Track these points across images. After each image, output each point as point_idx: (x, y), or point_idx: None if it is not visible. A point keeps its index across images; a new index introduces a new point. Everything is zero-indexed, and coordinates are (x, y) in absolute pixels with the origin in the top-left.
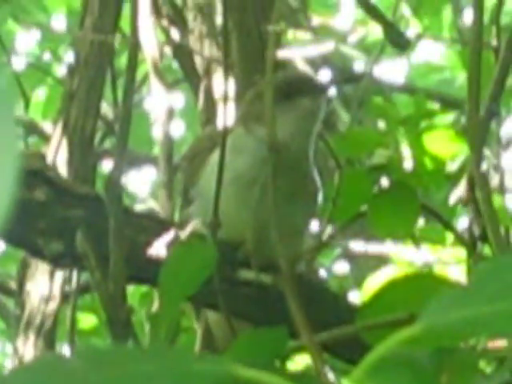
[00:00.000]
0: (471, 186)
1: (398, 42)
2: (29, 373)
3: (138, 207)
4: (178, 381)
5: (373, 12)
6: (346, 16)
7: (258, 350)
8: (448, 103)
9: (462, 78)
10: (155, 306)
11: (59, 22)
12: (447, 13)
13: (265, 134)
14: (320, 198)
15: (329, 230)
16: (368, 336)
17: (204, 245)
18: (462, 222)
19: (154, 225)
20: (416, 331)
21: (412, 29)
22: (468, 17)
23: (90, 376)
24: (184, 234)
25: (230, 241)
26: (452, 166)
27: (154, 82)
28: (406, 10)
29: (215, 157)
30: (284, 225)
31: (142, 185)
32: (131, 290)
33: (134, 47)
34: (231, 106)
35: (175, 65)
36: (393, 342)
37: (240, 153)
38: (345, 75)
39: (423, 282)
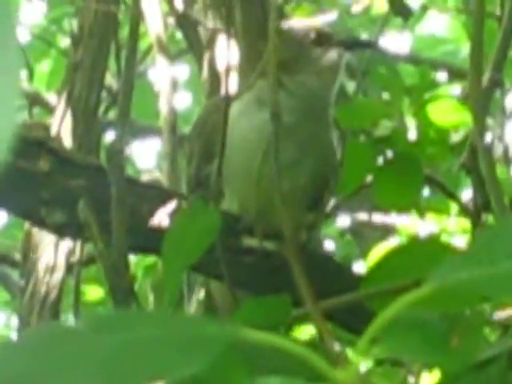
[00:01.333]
0: (474, 155)
1: (401, 11)
2: (34, 339)
3: (144, 178)
4: (188, 345)
5: None
6: None
7: (262, 317)
8: (454, 73)
9: (467, 49)
10: (159, 276)
11: None
12: None
13: (294, 85)
14: (337, 158)
15: (333, 200)
16: (373, 303)
17: (207, 213)
18: (467, 193)
19: (158, 194)
20: (426, 292)
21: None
22: None
23: (96, 342)
24: (188, 203)
25: (237, 210)
26: (456, 136)
27: (157, 53)
28: None
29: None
30: (290, 190)
31: (146, 156)
32: (136, 260)
33: (136, 17)
34: (234, 75)
35: (179, 35)
36: (402, 303)
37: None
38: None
39: (426, 249)
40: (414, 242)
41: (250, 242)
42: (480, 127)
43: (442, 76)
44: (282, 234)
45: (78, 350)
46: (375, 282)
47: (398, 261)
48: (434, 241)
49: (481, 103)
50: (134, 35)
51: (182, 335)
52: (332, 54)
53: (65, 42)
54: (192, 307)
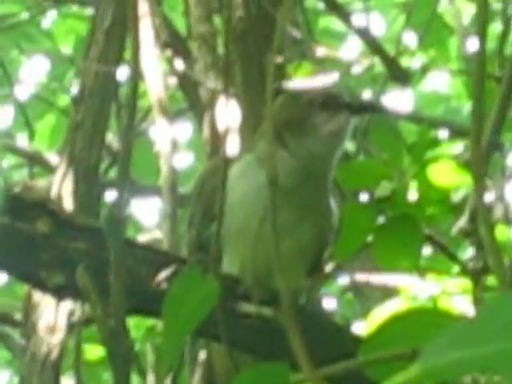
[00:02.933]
0: (473, 218)
1: (398, 77)
2: None
3: (144, 237)
4: None
5: (374, 46)
6: (352, 47)
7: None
8: (455, 131)
9: (468, 107)
10: (159, 340)
11: (67, 51)
12: (454, 42)
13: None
14: (336, 221)
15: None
16: (371, 370)
17: (206, 277)
18: (468, 253)
19: (157, 257)
20: (415, 373)
21: (418, 59)
22: (473, 46)
23: None
24: (187, 266)
25: (236, 271)
26: (456, 197)
27: (157, 113)
28: (411, 40)
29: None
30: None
31: (147, 215)
32: (136, 321)
33: (135, 78)
34: (234, 135)
35: (179, 93)
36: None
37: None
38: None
39: (426, 317)
40: (413, 310)
41: (248, 308)
42: (480, 191)
43: (443, 133)
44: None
45: None
46: (374, 348)
47: (396, 328)
48: (432, 309)
49: (481, 167)
50: (134, 96)
51: None
52: (338, 119)
53: (66, 100)
54: (195, 373)
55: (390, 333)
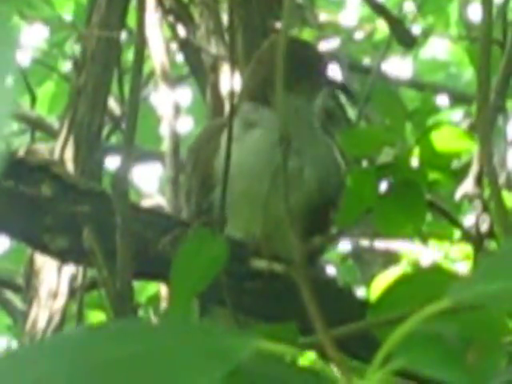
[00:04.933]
0: (478, 182)
1: (404, 39)
2: (37, 350)
3: (146, 203)
4: (204, 356)
5: (379, 9)
6: (352, 12)
7: None
8: (456, 97)
9: (468, 73)
10: (163, 305)
11: (66, 18)
12: (454, 8)
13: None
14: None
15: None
16: (379, 332)
17: (214, 240)
18: (469, 218)
19: (161, 221)
20: (444, 305)
21: (418, 26)
22: (473, 13)
23: (105, 353)
24: (192, 230)
25: (241, 234)
26: (457, 163)
27: (159, 79)
28: (411, 7)
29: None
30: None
31: (149, 180)
32: (139, 288)
33: (141, 44)
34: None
35: (181, 59)
36: (420, 318)
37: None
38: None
39: (433, 278)
40: (420, 271)
41: (259, 264)
42: (488, 154)
43: (443, 100)
44: (288, 259)
45: (87, 361)
46: (382, 310)
47: (403, 290)
48: (439, 269)
49: (487, 129)
50: (139, 64)
51: (198, 346)
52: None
53: (66, 66)
54: None
55: (397, 294)
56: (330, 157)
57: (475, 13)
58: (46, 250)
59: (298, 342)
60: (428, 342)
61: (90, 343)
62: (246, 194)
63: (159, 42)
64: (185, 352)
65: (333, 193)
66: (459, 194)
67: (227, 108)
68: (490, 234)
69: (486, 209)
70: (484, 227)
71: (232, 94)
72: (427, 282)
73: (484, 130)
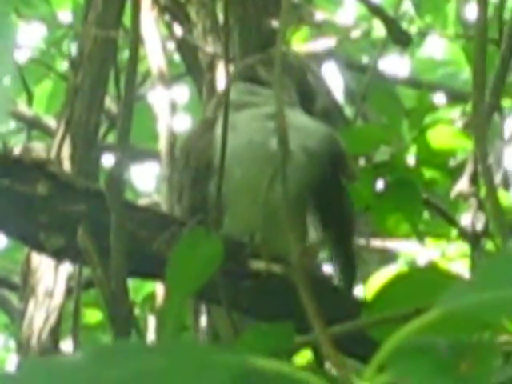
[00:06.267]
0: (473, 181)
1: (400, 39)
2: (31, 372)
3: (143, 202)
4: (195, 374)
5: (375, 9)
6: (349, 10)
7: (264, 345)
8: (453, 97)
9: (466, 72)
10: (158, 303)
11: (63, 16)
12: (451, 7)
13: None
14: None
15: None
16: (374, 331)
17: (209, 239)
18: (465, 217)
19: (157, 219)
20: (434, 317)
21: (415, 25)
22: (471, 12)
23: (99, 375)
24: (187, 228)
25: (239, 231)
26: (453, 162)
27: (156, 77)
28: (409, 6)
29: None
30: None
31: (145, 179)
32: (134, 286)
33: (136, 42)
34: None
35: (178, 58)
36: (410, 329)
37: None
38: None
39: (429, 277)
40: (416, 270)
41: (257, 265)
42: (482, 152)
43: (441, 98)
44: (284, 257)
45: None
46: (377, 309)
47: (399, 289)
48: (435, 268)
49: (483, 128)
50: (134, 61)
51: (189, 364)
52: None
53: (64, 65)
54: (199, 334)
55: (392, 294)
56: (313, 126)
57: (472, 12)
58: (41, 248)
59: (294, 341)
60: (420, 352)
61: (85, 367)
62: (243, 183)
63: (155, 41)
64: (176, 372)
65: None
66: (454, 192)
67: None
68: (486, 232)
69: (481, 207)
70: (479, 226)
71: (226, 90)
72: (423, 281)
73: (479, 128)
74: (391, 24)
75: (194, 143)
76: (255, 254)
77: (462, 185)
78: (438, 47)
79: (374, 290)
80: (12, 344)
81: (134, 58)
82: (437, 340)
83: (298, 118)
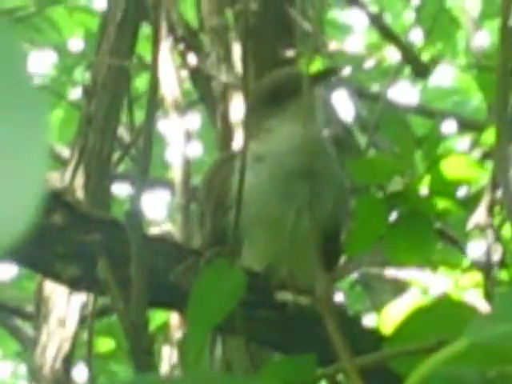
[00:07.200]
0: (490, 212)
1: (418, 69)
2: None
3: (153, 230)
4: None
5: (389, 36)
6: (359, 39)
7: (287, 377)
8: (463, 124)
9: (476, 100)
10: (172, 333)
11: (75, 44)
12: (461, 36)
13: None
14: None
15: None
16: (396, 364)
17: (233, 271)
18: (479, 245)
19: (172, 249)
20: (462, 347)
21: (427, 53)
22: (480, 40)
23: None
24: (205, 259)
25: (257, 262)
26: (463, 191)
27: (170, 106)
28: (418, 34)
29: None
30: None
31: (156, 208)
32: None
33: (155, 76)
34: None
35: (189, 87)
36: (437, 359)
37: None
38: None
39: (446, 310)
40: (434, 304)
41: (284, 296)
42: (504, 182)
43: (450, 126)
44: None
45: None
46: (398, 342)
47: (419, 322)
48: (451, 301)
49: (505, 159)
50: (153, 93)
51: None
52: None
53: (74, 92)
54: (215, 365)
55: (413, 326)
56: (342, 182)
57: (483, 40)
58: (57, 278)
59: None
60: (448, 382)
61: None
62: (260, 218)
63: (170, 71)
64: None
65: (342, 219)
66: (471, 224)
67: (237, 136)
68: (502, 263)
69: (498, 238)
70: (496, 257)
71: (245, 122)
72: (441, 314)
73: (501, 159)
74: (407, 51)
75: (214, 175)
76: (282, 286)
77: (479, 216)
78: (446, 75)
79: (390, 320)
80: (21, 371)
81: (154, 91)
82: (463, 372)
83: (334, 173)
